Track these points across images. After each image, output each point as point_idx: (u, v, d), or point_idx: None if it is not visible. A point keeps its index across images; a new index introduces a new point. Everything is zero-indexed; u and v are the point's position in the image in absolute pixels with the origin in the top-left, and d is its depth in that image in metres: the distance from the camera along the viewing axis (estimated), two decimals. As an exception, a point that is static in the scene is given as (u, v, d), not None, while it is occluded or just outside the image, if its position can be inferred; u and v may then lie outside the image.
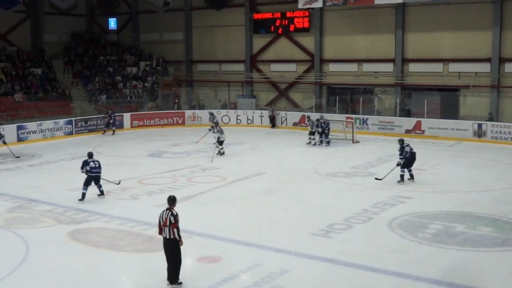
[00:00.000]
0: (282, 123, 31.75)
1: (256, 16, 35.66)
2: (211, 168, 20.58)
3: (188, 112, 33.50)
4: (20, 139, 26.91)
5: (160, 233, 10.14)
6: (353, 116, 29.39)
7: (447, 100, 30.50)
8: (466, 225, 13.59)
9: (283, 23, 34.53)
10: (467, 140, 26.44)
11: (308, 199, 16.31)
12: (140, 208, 15.35)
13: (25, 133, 27.29)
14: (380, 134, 28.56)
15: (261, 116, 32.63)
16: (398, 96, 30.93)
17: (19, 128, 27.19)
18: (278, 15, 34.65)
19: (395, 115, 29.67)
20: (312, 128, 25.57)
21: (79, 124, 29.77)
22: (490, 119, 27.65)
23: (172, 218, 9.95)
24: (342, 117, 29.11)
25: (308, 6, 32.22)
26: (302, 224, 13.85)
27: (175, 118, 32.99)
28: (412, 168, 18.07)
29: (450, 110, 29.66)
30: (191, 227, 13.55)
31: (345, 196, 16.62)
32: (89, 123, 30.27)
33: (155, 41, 40.08)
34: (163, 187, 17.59)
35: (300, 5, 32.35)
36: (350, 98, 33.20)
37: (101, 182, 16.27)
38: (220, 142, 22.66)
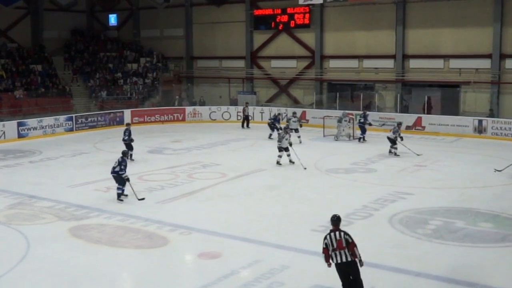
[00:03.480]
0: (282, 119, 31.70)
1: (257, 12, 35.62)
2: (211, 165, 20.59)
3: (189, 109, 33.50)
4: (20, 136, 26.92)
5: (328, 260, 9.12)
6: (354, 112, 29.37)
7: (447, 96, 30.52)
8: (466, 221, 13.60)
9: (284, 19, 34.48)
10: (468, 136, 26.43)
11: (309, 195, 16.32)
12: (141, 204, 15.36)
13: (26, 130, 27.29)
14: (381, 130, 28.51)
15: (262, 113, 32.60)
16: (398, 92, 30.93)
17: (19, 124, 27.18)
18: (279, 11, 34.60)
19: (396, 112, 29.66)
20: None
21: (80, 120, 29.76)
22: (491, 115, 27.63)
23: (349, 238, 8.96)
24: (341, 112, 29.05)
25: (309, 2, 32.19)
26: (303, 220, 13.86)
27: (175, 115, 32.97)
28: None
29: (450, 106, 29.67)
30: (191, 223, 13.60)
31: (345, 192, 16.64)
32: (89, 119, 30.25)
33: (155, 37, 40.04)
34: (164, 183, 17.61)
35: (300, 1, 32.33)
36: (351, 95, 33.17)
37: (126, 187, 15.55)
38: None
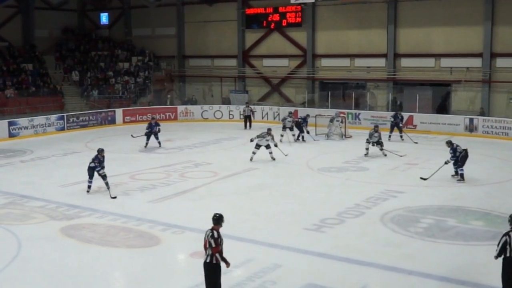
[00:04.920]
0: (274, 118, 31.68)
1: (249, 11, 35.60)
2: (203, 164, 20.57)
3: (181, 108, 33.43)
4: (11, 135, 26.77)
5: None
6: (345, 111, 29.45)
7: (439, 95, 30.65)
8: (457, 219, 13.67)
9: (276, 18, 34.51)
10: (459, 134, 26.49)
11: (301, 194, 16.33)
12: (133, 203, 15.33)
13: (17, 129, 27.14)
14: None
15: (254, 111, 32.56)
16: (390, 91, 31.01)
17: (10, 124, 27.02)
18: (271, 10, 34.62)
19: (388, 110, 29.75)
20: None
21: (71, 119, 29.63)
22: (482, 114, 27.76)
23: (212, 242, 8.74)
24: (334, 112, 29.09)
25: (301, 1, 32.24)
26: (295, 219, 13.88)
27: (167, 114, 32.90)
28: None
29: (442, 105, 29.80)
30: (183, 222, 13.59)
31: (338, 191, 16.67)
32: (81, 118, 30.13)
33: (147, 36, 39.93)
34: (156, 183, 17.58)
35: (292, 0, 32.35)
36: (343, 93, 33.23)
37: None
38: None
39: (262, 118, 32.22)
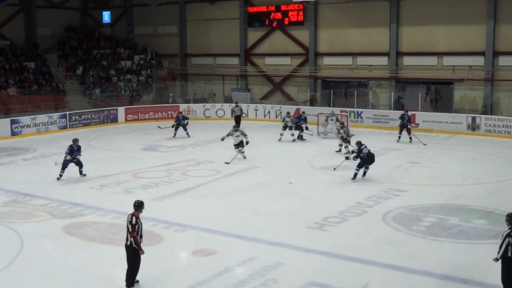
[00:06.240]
0: (276, 116, 31.68)
1: (251, 9, 35.57)
2: (205, 162, 20.58)
3: (183, 106, 33.44)
4: (14, 133, 26.82)
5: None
6: (348, 109, 29.43)
7: (441, 93, 30.59)
8: (460, 218, 13.65)
9: (278, 17, 34.47)
10: (461, 133, 26.52)
11: (303, 192, 16.33)
12: (135, 202, 15.32)
13: (19, 127, 27.18)
14: (375, 128, 28.60)
15: (256, 110, 32.60)
16: (392, 90, 30.97)
17: (12, 122, 27.09)
18: (273, 8, 34.59)
19: (390, 109, 29.72)
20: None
21: (73, 118, 29.67)
22: (484, 112, 27.72)
23: (129, 227, 9.49)
24: (336, 110, 29.10)
25: (303, -1, 32.19)
26: (297, 217, 13.87)
27: (169, 112, 32.92)
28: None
29: (444, 104, 29.74)
30: (185, 220, 13.60)
31: (340, 190, 16.66)
32: (83, 117, 30.17)
33: (149, 35, 39.94)
34: (158, 181, 17.59)
35: (294, -2, 32.33)
36: (345, 92, 33.21)
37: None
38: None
39: (264, 116, 32.26)
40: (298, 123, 25.46)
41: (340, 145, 21.96)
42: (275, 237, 12.40)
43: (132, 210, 9.77)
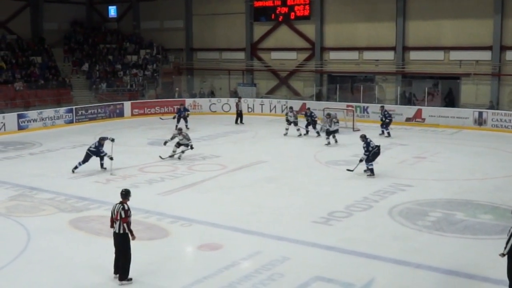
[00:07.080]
0: (282, 111, 31.66)
1: (257, 3, 35.49)
2: (211, 156, 20.60)
3: (189, 101, 33.44)
4: (20, 128, 26.91)
5: (112, 226, 10.02)
6: (354, 104, 29.37)
7: (448, 88, 30.49)
8: (466, 213, 13.63)
9: (284, 11, 34.39)
10: (468, 128, 26.43)
11: (309, 187, 16.33)
12: (141, 196, 15.32)
13: (26, 122, 27.28)
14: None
15: (262, 105, 32.58)
16: (398, 84, 30.89)
17: (19, 116, 27.17)
18: (279, 2, 34.50)
19: (396, 104, 29.65)
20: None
21: (80, 112, 29.74)
22: (491, 107, 27.62)
23: (122, 213, 9.79)
24: (343, 105, 29.09)
25: (309, -7, 32.12)
26: (303, 211, 13.88)
27: (175, 106, 32.86)
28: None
29: (451, 98, 29.65)
30: (191, 215, 13.63)
31: (346, 184, 16.65)
32: (89, 111, 30.24)
33: (155, 29, 39.92)
34: (164, 175, 17.63)
35: (300, -7, 32.26)
36: (351, 86, 33.14)
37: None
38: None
39: (270, 111, 32.23)
40: (312, 117, 25.20)
41: (327, 138, 22.61)
42: (281, 231, 12.42)
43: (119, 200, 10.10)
